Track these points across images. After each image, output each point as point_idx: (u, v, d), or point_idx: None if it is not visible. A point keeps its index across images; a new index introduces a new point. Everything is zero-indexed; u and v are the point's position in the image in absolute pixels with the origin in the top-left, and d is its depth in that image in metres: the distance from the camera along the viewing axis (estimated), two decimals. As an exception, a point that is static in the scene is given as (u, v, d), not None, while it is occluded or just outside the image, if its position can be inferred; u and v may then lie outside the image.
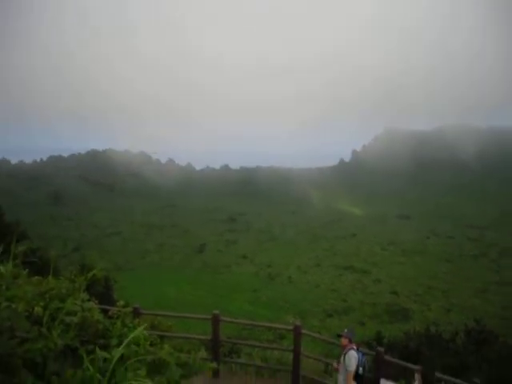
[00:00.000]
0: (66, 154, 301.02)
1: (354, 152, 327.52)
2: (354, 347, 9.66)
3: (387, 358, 11.48)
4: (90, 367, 3.30)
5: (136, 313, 11.54)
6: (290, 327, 12.45)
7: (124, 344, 3.75)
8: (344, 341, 9.76)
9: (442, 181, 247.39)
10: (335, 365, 10.05)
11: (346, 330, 9.95)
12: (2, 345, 3.12)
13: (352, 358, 9.37)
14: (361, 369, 9.46)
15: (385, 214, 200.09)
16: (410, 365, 11.65)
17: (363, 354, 9.75)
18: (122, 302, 4.84)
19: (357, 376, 9.42)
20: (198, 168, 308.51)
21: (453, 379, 10.82)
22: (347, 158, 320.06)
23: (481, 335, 24.76)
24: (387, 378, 11.44)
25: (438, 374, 10.89)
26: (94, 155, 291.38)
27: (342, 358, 9.62)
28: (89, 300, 4.38)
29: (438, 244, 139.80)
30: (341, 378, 9.70)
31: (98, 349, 3.72)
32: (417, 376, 9.23)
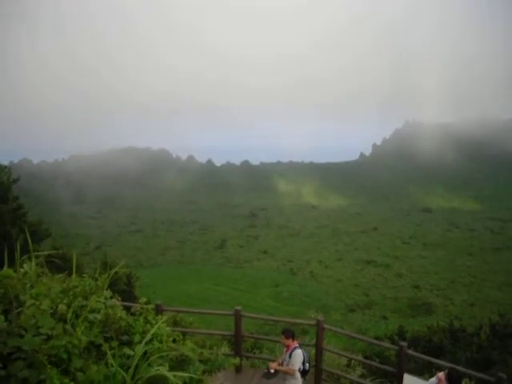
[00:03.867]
0: (87, 153, 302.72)
1: (375, 146, 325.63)
2: (297, 345, 9.84)
3: (410, 352, 11.42)
4: (114, 363, 3.36)
5: (158, 309, 11.64)
6: (313, 322, 12.43)
7: (146, 340, 3.81)
8: (287, 341, 9.89)
9: (464, 174, 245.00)
10: (273, 365, 10.03)
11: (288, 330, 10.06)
12: (27, 342, 3.19)
13: (297, 356, 9.57)
14: (307, 365, 9.77)
15: (406, 208, 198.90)
16: (433, 359, 11.59)
17: (304, 350, 10.00)
18: (144, 299, 4.89)
19: (303, 372, 9.69)
20: (218, 164, 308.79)
21: (478, 374, 10.73)
22: (367, 152, 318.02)
23: (505, 329, 24.48)
24: (410, 372, 11.39)
25: (463, 369, 10.78)
26: (114, 153, 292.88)
27: (288, 356, 9.77)
28: (112, 297, 4.45)
29: (460, 237, 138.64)
30: (284, 376, 9.80)
31: (121, 345, 3.78)
32: (441, 375, 9.11)
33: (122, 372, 3.33)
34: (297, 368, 9.50)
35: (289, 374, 9.55)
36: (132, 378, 3.36)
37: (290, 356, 9.65)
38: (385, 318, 74.99)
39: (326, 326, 12.14)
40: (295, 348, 9.67)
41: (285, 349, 10.08)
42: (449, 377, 8.54)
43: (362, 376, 13.89)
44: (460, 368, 10.17)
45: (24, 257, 4.57)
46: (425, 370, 15.48)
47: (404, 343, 11.28)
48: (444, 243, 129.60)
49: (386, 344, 16.36)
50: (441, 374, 8.74)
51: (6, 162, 29.65)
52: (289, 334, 9.87)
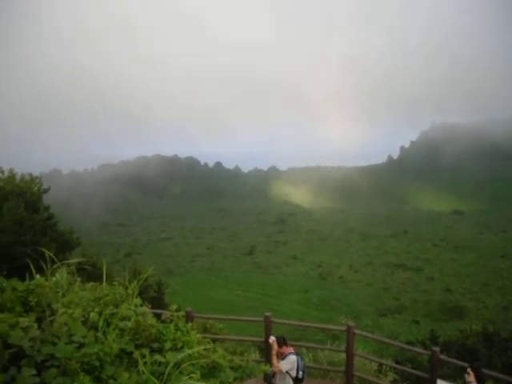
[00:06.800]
0: (115, 162, 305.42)
1: (402, 148, 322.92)
2: (292, 351, 9.66)
3: (443, 357, 11.25)
4: (145, 370, 3.38)
5: (188, 316, 11.68)
6: (343, 328, 12.34)
7: (178, 347, 3.83)
8: (280, 349, 9.81)
9: (493, 175, 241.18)
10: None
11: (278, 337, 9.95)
12: (60, 349, 3.24)
13: (288, 359, 9.38)
14: (301, 373, 9.48)
15: (436, 211, 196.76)
16: (467, 364, 11.38)
17: (301, 358, 9.78)
18: (174, 306, 4.92)
19: (297, 380, 9.46)
20: (245, 171, 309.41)
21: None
22: (395, 155, 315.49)
23: (541, 333, 24.00)
24: (443, 378, 11.20)
25: (489, 371, 10.58)
26: (143, 161, 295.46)
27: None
28: (142, 305, 4.49)
29: (492, 239, 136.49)
30: (278, 380, 9.69)
31: (152, 352, 3.81)
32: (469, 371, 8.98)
33: (154, 379, 3.36)
34: (283, 369, 9.30)
35: (277, 372, 9.51)
36: (164, 386, 3.39)
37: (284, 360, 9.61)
38: (416, 322, 74.14)
39: (356, 331, 12.05)
40: (289, 354, 9.58)
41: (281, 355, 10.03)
42: (475, 370, 8.50)
43: (394, 381, 13.74)
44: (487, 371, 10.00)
45: (55, 265, 4.63)
46: (458, 376, 15.25)
47: (436, 348, 11.10)
48: (476, 245, 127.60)
49: (418, 349, 16.18)
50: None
51: (36, 173, 29.93)
52: (280, 341, 9.84)
